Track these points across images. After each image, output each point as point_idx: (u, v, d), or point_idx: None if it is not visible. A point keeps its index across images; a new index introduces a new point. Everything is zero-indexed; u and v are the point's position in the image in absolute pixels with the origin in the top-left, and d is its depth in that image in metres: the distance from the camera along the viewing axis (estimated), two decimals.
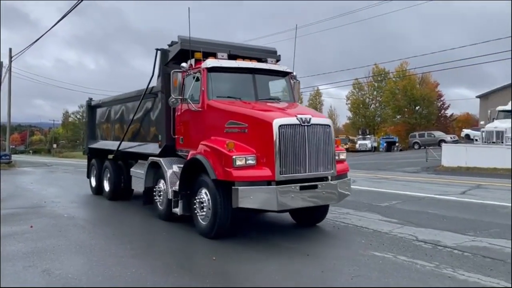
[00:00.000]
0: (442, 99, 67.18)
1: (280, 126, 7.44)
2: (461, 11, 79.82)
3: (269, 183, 7.45)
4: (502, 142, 27.74)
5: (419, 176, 22.55)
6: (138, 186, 11.05)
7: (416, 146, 51.39)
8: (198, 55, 8.83)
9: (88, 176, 14.74)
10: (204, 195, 8.05)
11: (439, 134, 52.33)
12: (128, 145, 11.54)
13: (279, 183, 7.44)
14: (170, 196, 9.11)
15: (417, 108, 65.15)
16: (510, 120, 29.31)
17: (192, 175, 8.43)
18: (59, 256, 6.85)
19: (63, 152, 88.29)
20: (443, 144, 33.61)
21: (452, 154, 27.26)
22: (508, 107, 31.27)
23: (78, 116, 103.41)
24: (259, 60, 9.50)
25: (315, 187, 7.77)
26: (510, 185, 14.33)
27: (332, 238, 8.24)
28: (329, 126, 8.05)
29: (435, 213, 10.55)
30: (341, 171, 8.33)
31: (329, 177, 8.05)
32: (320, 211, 8.85)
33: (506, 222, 9.38)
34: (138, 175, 10.94)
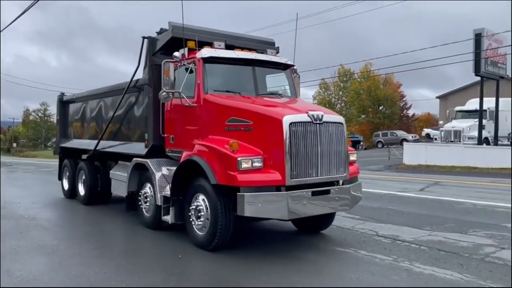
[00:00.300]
0: (404, 99, 67.88)
1: (291, 123, 6.39)
2: (422, 14, 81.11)
3: (278, 188, 6.39)
4: (460, 141, 28.58)
5: (382, 174, 22.79)
6: (119, 190, 9.72)
7: (379, 145, 51.72)
8: (192, 44, 7.64)
9: (60, 178, 13.16)
10: (201, 202, 6.90)
11: (401, 133, 53.16)
12: (107, 145, 10.19)
13: (288, 188, 6.39)
14: (159, 202, 7.89)
15: (380, 108, 65.58)
16: (467, 119, 30.22)
17: (186, 179, 7.27)
18: (20, 257, 6.50)
19: (24, 151, 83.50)
20: (405, 143, 34.37)
21: (413, 153, 27.84)
22: (465, 108, 32.18)
23: (39, 114, 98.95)
24: (258, 51, 8.40)
25: (328, 192, 6.75)
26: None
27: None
28: (342, 124, 7.05)
29: (395, 209, 10.74)
30: (352, 173, 7.35)
31: (341, 181, 7.09)
32: (326, 217, 7.83)
33: (460, 217, 9.71)
34: (119, 177, 9.61)
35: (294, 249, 7.04)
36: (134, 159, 8.73)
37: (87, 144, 11.35)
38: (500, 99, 29.15)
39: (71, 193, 12.25)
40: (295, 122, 6.44)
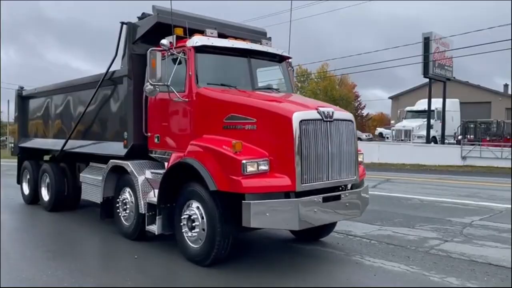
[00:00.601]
0: (359, 99, 68.77)
1: (301, 121, 5.55)
2: (375, 17, 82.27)
3: (287, 194, 5.54)
4: (410, 140, 29.74)
5: None
6: (91, 195, 8.53)
7: None
8: (179, 31, 6.60)
9: (19, 182, 11.66)
10: (195, 210, 5.94)
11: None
12: (77, 144, 8.95)
13: (298, 194, 5.55)
14: (142, 209, 6.85)
15: None
16: (416, 119, 31.19)
17: (177, 184, 6.29)
18: None
19: None
20: (359, 142, 34.27)
21: (367, 151, 28.09)
22: (414, 108, 33.27)
23: None
24: (252, 42, 7.47)
25: (338, 197, 5.97)
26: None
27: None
28: (353, 122, 6.29)
29: None
30: (361, 176, 6.60)
31: (349, 185, 6.34)
32: (329, 223, 7.03)
33: (408, 212, 10.07)
34: (92, 181, 8.43)
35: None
36: (111, 161, 7.62)
37: (52, 143, 10.05)
38: (447, 100, 30.40)
39: (33, 198, 10.85)
40: (305, 120, 5.60)
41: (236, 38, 7.20)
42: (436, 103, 30.07)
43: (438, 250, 6.78)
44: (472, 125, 29.82)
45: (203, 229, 5.81)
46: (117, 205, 7.58)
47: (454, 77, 32.33)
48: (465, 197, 12.40)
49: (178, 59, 6.49)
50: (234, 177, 5.39)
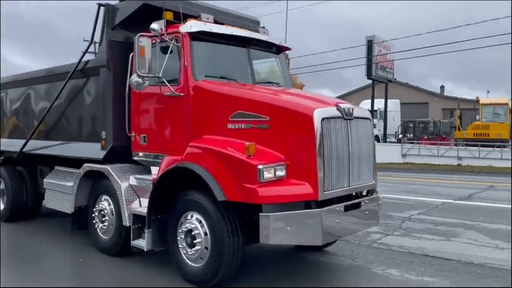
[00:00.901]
0: None
1: (323, 119, 4.77)
2: (322, 19, 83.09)
3: (308, 204, 4.74)
4: None
5: None
6: (58, 204, 7.29)
7: None
8: (169, 15, 5.59)
9: None
10: (195, 223, 5.01)
11: None
12: (40, 145, 7.66)
13: (319, 203, 4.77)
14: (126, 221, 5.81)
15: None
16: None
17: (170, 191, 5.34)
18: None
19: None
20: None
21: None
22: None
23: None
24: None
25: (358, 205, 5.25)
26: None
27: None
28: (370, 120, 5.59)
29: None
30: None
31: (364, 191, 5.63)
32: None
33: None
34: (60, 188, 7.20)
35: None
36: (87, 165, 6.49)
37: (7, 144, 8.65)
38: (389, 101, 31.22)
39: None
40: (327, 118, 4.83)
41: (232, 26, 6.29)
42: (379, 104, 30.73)
43: (380, 244, 7.04)
44: (411, 125, 31.30)
45: (206, 247, 4.90)
46: (93, 215, 6.47)
47: (395, 79, 33.38)
48: (405, 193, 12.80)
49: (170, 48, 5.50)
50: (248, 185, 4.54)
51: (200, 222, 4.97)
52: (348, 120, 5.09)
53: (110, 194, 6.20)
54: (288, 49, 6.85)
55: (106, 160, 6.25)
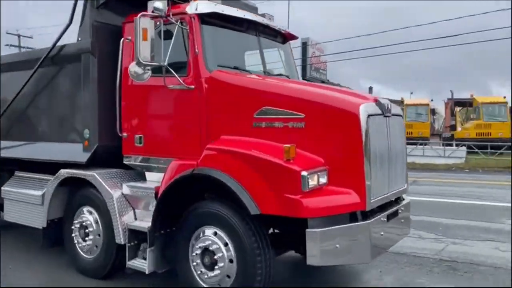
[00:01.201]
0: None
1: (369, 116, 4.09)
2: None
3: (353, 216, 4.03)
4: None
5: None
6: (23, 217, 5.99)
7: None
8: None
9: None
10: (215, 240, 4.13)
11: None
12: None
13: (365, 214, 4.09)
14: (121, 239, 4.78)
15: None
16: None
17: (181, 202, 4.43)
18: None
19: None
20: None
21: None
22: None
23: None
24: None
25: (396, 213, 4.63)
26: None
27: None
28: (402, 117, 5.00)
29: None
30: None
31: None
32: None
33: None
34: (25, 198, 5.91)
35: None
36: (65, 170, 5.34)
37: None
38: None
39: None
40: (373, 115, 4.15)
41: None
42: None
43: None
44: None
45: (228, 276, 4.06)
46: (72, 230, 5.36)
47: (328, 80, 34.41)
48: None
49: (176, 31, 4.54)
50: (290, 195, 3.75)
51: (220, 238, 4.11)
52: (388, 117, 4.45)
53: (94, 205, 5.14)
54: (295, 38, 6.08)
55: (89, 163, 5.17)
